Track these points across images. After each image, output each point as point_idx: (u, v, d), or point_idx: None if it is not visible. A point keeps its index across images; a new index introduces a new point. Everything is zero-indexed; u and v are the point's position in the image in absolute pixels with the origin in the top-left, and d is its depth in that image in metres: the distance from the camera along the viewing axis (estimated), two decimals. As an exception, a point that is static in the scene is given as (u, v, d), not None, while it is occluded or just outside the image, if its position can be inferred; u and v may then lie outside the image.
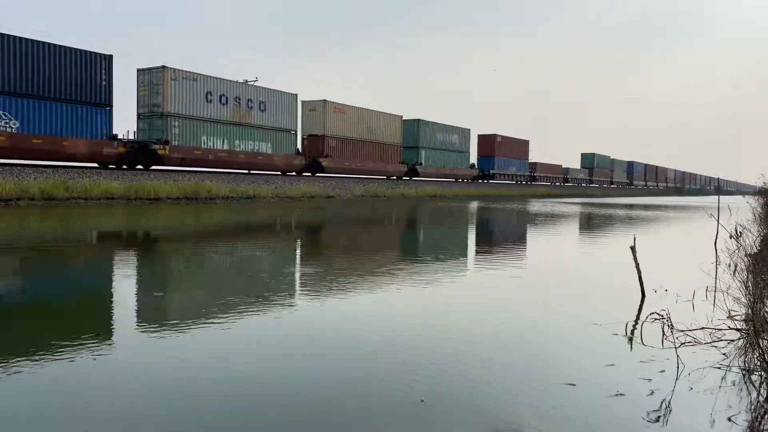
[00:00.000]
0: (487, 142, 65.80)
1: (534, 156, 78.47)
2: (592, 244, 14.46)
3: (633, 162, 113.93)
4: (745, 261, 6.95)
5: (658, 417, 3.26)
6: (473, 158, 63.85)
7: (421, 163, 53.89)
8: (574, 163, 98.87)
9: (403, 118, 52.45)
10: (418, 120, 53.78)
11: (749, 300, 4.39)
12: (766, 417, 3.36)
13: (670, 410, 3.37)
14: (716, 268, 8.62)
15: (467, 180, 61.57)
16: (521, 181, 71.47)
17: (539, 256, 12.00)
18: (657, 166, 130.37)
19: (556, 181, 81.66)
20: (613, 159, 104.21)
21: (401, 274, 8.22)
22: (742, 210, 12.16)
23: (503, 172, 66.90)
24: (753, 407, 3.45)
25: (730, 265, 8.18)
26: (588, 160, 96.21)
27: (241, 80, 38.63)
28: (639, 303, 6.27)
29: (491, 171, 64.71)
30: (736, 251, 7.46)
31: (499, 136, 66.52)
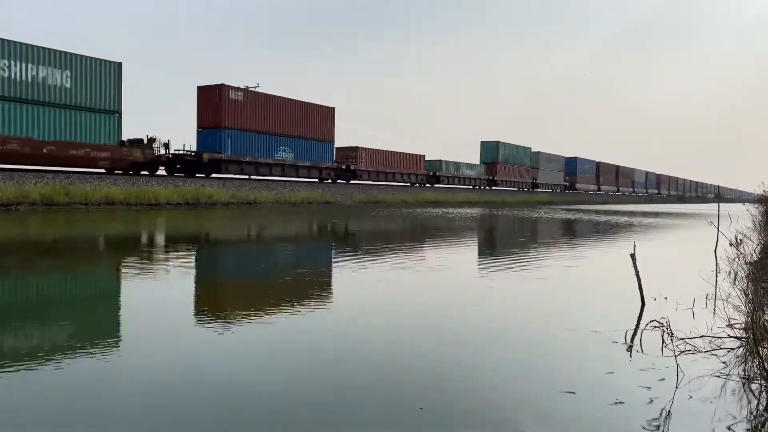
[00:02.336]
0: (209, 101, 35.79)
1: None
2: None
3: (576, 158, 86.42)
4: (744, 269, 6.96)
5: (658, 425, 3.25)
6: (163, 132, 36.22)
7: None
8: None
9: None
10: None
11: (749, 308, 4.39)
12: (766, 426, 3.35)
13: (670, 419, 3.36)
14: (716, 276, 8.61)
15: (132, 171, 31.79)
16: (325, 178, 43.84)
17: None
18: (618, 166, 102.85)
19: (417, 180, 55.70)
20: (539, 152, 77.04)
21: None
22: (734, 217, 12.17)
23: (254, 160, 37.13)
24: (753, 416, 3.44)
25: (730, 273, 8.20)
26: (489, 151, 67.82)
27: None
28: (639, 311, 6.26)
29: (212, 155, 35.04)
30: (736, 259, 7.47)
31: (237, 89, 36.69)
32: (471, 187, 64.38)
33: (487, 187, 66.56)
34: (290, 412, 3.37)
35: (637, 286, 6.61)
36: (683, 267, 11.35)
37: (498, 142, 68.81)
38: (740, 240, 8.91)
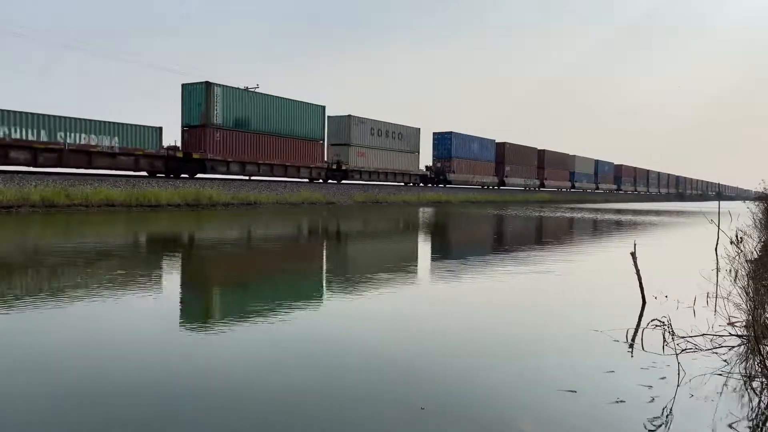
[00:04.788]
0: None
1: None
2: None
3: (450, 134, 55.89)
4: (745, 267, 6.96)
5: (659, 424, 3.25)
6: None
7: None
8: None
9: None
10: None
11: (750, 306, 4.39)
12: (767, 424, 3.35)
13: (671, 417, 3.36)
14: (717, 274, 8.60)
15: None
16: None
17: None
18: (543, 150, 73.25)
19: None
20: (350, 116, 43.93)
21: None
22: (734, 215, 12.15)
23: None
24: (754, 414, 3.44)
25: (730, 271, 8.19)
26: (191, 104, 34.49)
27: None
28: (640, 309, 6.26)
29: None
30: (737, 257, 7.47)
31: None
32: (135, 173, 31.48)
33: (185, 175, 33.79)
34: (291, 412, 3.38)
35: (638, 284, 6.61)
36: (684, 265, 11.34)
37: (209, 84, 33.84)
38: (741, 238, 8.91)
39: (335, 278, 8.90)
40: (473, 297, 7.33)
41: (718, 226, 10.88)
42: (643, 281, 6.61)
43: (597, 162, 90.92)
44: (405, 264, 10.73)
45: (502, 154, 65.03)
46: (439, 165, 55.89)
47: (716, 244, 11.54)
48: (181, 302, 6.94)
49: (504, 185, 64.84)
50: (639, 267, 6.62)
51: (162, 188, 29.37)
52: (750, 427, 3.26)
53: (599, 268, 10.84)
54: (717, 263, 9.67)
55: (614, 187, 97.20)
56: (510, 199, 58.72)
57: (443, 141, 56.53)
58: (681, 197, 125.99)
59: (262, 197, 34.35)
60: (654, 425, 3.23)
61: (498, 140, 64.67)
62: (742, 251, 7.56)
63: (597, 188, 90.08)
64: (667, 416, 3.37)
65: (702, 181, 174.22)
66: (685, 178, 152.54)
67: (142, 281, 7.92)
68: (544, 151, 73.92)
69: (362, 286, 7.74)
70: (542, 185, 73.62)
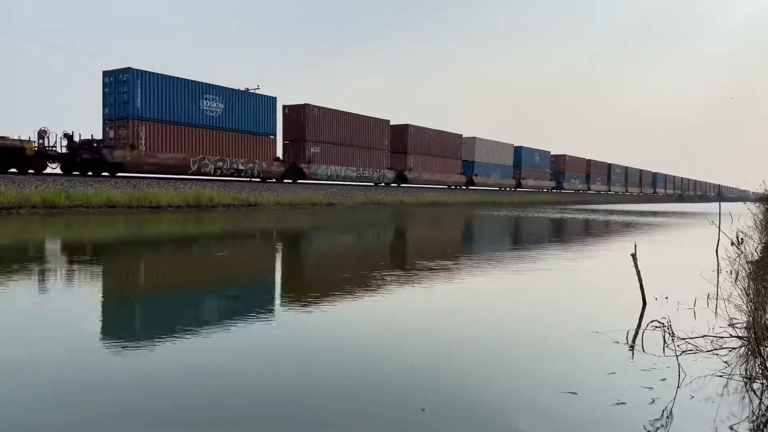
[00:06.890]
0: None
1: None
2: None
3: (131, 71, 29.00)
4: (746, 268, 6.96)
5: (660, 426, 3.26)
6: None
7: None
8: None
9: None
10: None
11: (750, 308, 4.40)
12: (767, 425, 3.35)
13: (672, 419, 3.36)
14: (717, 275, 8.60)
15: None
16: None
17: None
18: (406, 125, 48.94)
19: None
20: None
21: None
22: (734, 216, 12.13)
23: None
24: (755, 415, 3.44)
25: (731, 273, 8.19)
26: None
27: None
28: (640, 311, 6.26)
29: None
30: (737, 258, 7.47)
31: None
32: None
33: None
34: (293, 412, 3.38)
35: (638, 286, 6.61)
36: (684, 266, 11.33)
37: None
38: (741, 239, 8.92)
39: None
40: (475, 295, 7.32)
41: (719, 228, 10.89)
42: (643, 282, 6.61)
43: (519, 150, 66.29)
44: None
45: (301, 127, 38.82)
46: (111, 134, 30.20)
47: (717, 245, 11.54)
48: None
49: (305, 177, 39.33)
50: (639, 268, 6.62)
51: (162, 189, 29.41)
52: (751, 429, 3.26)
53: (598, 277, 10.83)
54: (718, 264, 9.66)
55: (551, 184, 73.55)
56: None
57: (119, 87, 29.98)
58: (681, 198, 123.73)
59: (263, 198, 34.38)
60: (654, 427, 3.23)
61: (287, 102, 39.34)
62: (742, 252, 7.57)
63: (518, 185, 66.50)
64: (667, 418, 3.37)
65: (689, 179, 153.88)
66: (665, 175, 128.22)
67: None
68: (407, 126, 48.82)
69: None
70: (403, 179, 48.63)
